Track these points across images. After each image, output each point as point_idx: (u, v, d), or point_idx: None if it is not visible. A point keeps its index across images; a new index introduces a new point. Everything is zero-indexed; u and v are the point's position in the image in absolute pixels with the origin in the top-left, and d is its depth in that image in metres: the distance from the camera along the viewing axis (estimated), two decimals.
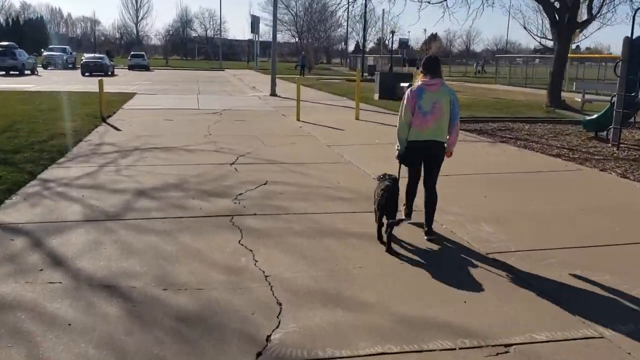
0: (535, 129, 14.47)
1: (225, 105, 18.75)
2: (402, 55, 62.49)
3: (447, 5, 20.38)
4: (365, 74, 42.15)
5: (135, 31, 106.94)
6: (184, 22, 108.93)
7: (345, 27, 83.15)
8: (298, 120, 14.78)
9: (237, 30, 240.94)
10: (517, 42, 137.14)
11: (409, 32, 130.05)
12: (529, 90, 30.58)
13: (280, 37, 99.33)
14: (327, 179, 7.98)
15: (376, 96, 21.86)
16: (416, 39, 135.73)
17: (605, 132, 12.99)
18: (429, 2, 21.01)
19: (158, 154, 9.61)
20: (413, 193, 5.81)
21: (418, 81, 5.53)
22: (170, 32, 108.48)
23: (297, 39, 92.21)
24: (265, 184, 7.57)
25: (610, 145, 11.89)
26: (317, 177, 8.10)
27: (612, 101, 12.35)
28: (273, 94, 23.16)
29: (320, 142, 11.34)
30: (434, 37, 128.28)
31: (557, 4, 17.51)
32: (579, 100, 17.38)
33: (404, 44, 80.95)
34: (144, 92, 24.27)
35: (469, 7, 32.77)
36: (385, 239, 5.20)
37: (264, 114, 16.42)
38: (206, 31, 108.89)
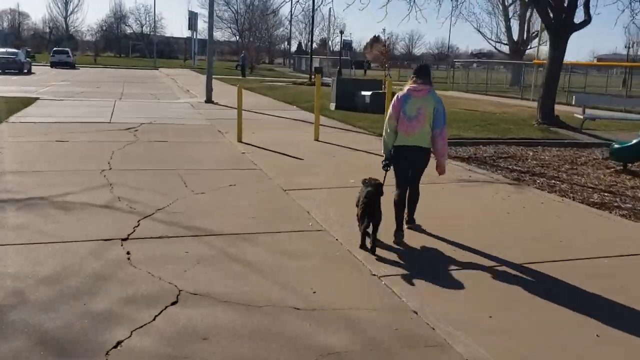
0: (542, 156, 11.45)
1: (147, 116, 14.89)
2: (350, 59, 59.58)
3: (414, 2, 17.31)
4: (313, 77, 38.81)
5: (64, 26, 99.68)
6: (118, 17, 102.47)
7: (289, 26, 79.91)
8: (240, 141, 11.22)
9: (176, 27, 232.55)
10: (455, 46, 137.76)
11: (350, 34, 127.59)
12: (495, 99, 28.00)
13: (220, 35, 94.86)
14: (293, 281, 4.48)
15: (332, 106, 18.51)
16: (358, 40, 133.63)
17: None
18: None
19: (7, 216, 5.87)
20: (402, 202, 5.72)
21: (407, 86, 5.57)
22: (104, 28, 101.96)
23: (238, 38, 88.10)
24: (174, 303, 4.00)
25: None
26: (274, 275, 4.59)
27: None
28: (209, 100, 19.39)
29: (272, 184, 7.84)
30: (376, 39, 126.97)
31: (552, 3, 14.63)
32: (580, 116, 14.57)
33: (347, 45, 78.39)
34: (52, 96, 20.00)
35: (440, 4, 29.57)
36: (369, 245, 5.16)
37: (194, 132, 12.70)
38: (142, 27, 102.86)
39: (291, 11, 71.54)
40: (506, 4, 43.61)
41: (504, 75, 42.77)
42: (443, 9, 36.92)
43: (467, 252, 5.35)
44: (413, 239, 5.67)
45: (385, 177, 5.64)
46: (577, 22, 14.99)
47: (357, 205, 5.34)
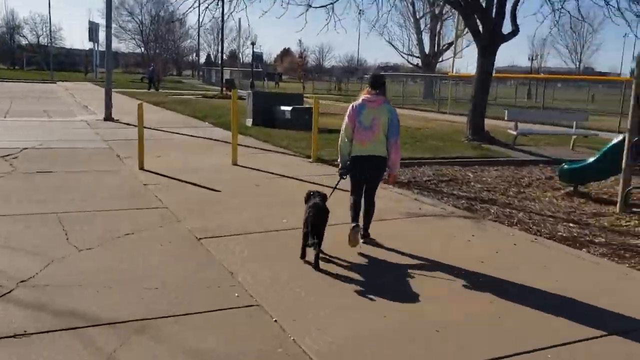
0: (483, 178, 10.47)
1: (33, 138, 12.66)
2: (263, 70, 58.11)
3: (333, 11, 16.07)
4: (225, 90, 37.03)
5: None
6: (11, 27, 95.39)
7: (197, 37, 77.48)
8: (142, 169, 9.43)
9: (76, 38, 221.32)
10: (364, 59, 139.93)
11: (260, 46, 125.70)
12: (413, 113, 27.46)
13: (124, 47, 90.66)
14: None
15: (249, 122, 16.94)
16: (269, 52, 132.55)
17: (583, 185, 9.30)
18: (309, 6, 16.56)
19: None
20: (358, 206, 5.77)
21: (361, 96, 5.66)
22: None
23: (143, 49, 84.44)
24: None
25: (621, 211, 8.08)
26: None
27: (614, 143, 8.62)
28: (108, 117, 17.25)
29: (182, 229, 6.19)
30: (287, 51, 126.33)
31: (481, 14, 13.88)
32: (512, 132, 13.84)
33: (258, 57, 77.25)
34: None
35: (361, 14, 28.46)
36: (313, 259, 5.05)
37: (87, 158, 10.72)
38: (38, 38, 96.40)
39: (199, 20, 69.05)
40: (417, 17, 43.84)
41: (417, 88, 42.87)
42: (355, 20, 36.15)
43: None
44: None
45: (335, 187, 5.89)
46: (506, 33, 14.34)
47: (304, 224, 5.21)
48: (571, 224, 7.37)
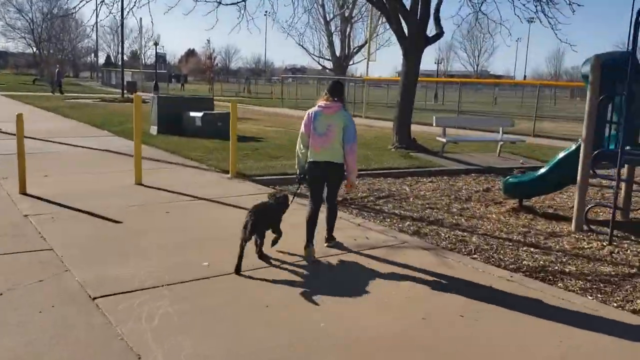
0: (420, 191, 9.59)
1: None
2: (168, 72, 55.42)
3: (245, 9, 14.74)
4: (126, 93, 34.60)
5: None
6: None
7: (95, 36, 73.26)
8: (23, 193, 7.72)
9: None
10: (270, 61, 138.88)
11: (163, 46, 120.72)
12: None
13: (13, 47, 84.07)
14: None
15: (154, 130, 15.26)
16: (173, 53, 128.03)
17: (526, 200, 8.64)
18: (219, 2, 15.18)
19: None
20: (313, 221, 5.70)
21: (318, 102, 5.65)
22: None
23: (34, 49, 78.71)
24: None
25: (577, 230, 7.39)
26: None
27: (568, 153, 7.93)
28: None
29: (70, 284, 4.69)
30: (192, 52, 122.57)
31: (405, 16, 13.09)
32: (442, 139, 13.11)
33: (161, 58, 74.57)
34: None
35: (267, 14, 26.74)
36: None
37: None
38: None
39: (97, 16, 65.06)
40: (327, 19, 43.21)
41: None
42: (264, 19, 34.45)
43: None
44: None
45: (295, 194, 6.13)
46: (430, 36, 13.65)
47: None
48: (532, 249, 6.54)
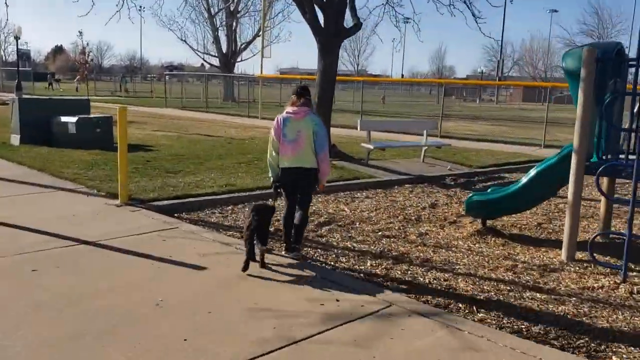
0: (363, 212, 7.93)
1: None
2: (34, 70, 49.86)
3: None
4: None
5: None
6: None
7: None
8: None
9: None
10: (146, 59, 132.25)
11: (27, 43, 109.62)
12: (223, 118, 24.30)
13: None
14: None
15: (15, 139, 12.37)
16: (38, 50, 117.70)
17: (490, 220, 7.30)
18: None
19: None
20: (289, 224, 5.71)
21: (286, 107, 5.61)
22: None
23: None
24: None
25: (569, 259, 6.06)
26: None
27: (550, 164, 6.58)
28: None
29: None
30: (60, 49, 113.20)
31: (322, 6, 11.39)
32: (368, 146, 11.50)
33: (24, 55, 68.25)
34: None
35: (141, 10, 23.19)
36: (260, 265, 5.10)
37: None
38: None
39: None
40: (212, 13, 40.53)
41: (216, 90, 39.69)
42: (141, 16, 31.06)
43: None
44: None
45: (275, 199, 6.08)
46: (348, 27, 12.05)
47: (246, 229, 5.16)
48: (537, 294, 5.07)
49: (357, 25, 12.05)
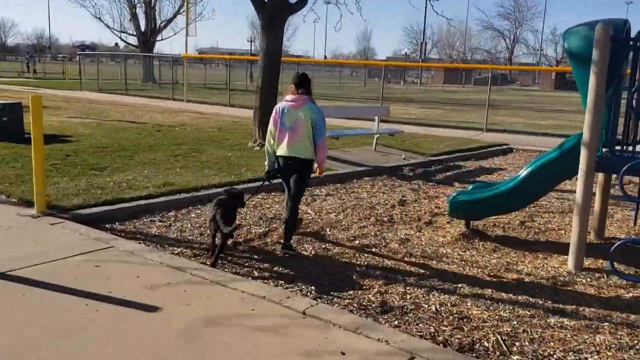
0: (329, 211, 6.92)
1: None
2: None
3: None
4: None
5: None
6: None
7: None
8: None
9: None
10: (55, 37, 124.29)
11: None
12: (147, 102, 22.42)
13: None
14: None
15: None
16: None
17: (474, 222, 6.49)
18: None
19: None
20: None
21: (285, 96, 5.59)
22: None
23: None
24: None
25: (577, 269, 5.31)
26: None
27: (550, 159, 5.77)
28: None
29: None
30: None
31: None
32: None
33: None
34: None
35: None
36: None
37: None
38: None
39: None
40: None
41: (135, 70, 37.16)
42: None
43: None
44: None
45: (259, 188, 6.53)
46: (293, 3, 10.88)
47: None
48: (564, 319, 4.25)
49: (303, 1, 10.90)
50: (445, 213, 7.30)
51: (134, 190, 7.03)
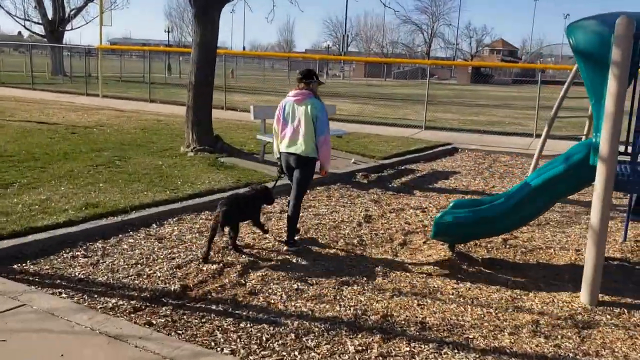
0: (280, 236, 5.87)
1: None
2: None
3: None
4: None
5: None
6: None
7: None
8: None
9: None
10: None
11: None
12: (57, 97, 20.32)
13: None
14: None
15: None
16: None
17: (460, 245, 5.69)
18: None
19: None
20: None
21: (290, 92, 5.54)
22: None
23: None
24: None
25: (592, 304, 4.59)
26: None
27: (557, 172, 5.00)
28: None
29: None
30: None
31: None
32: (264, 138, 9.29)
33: None
34: None
35: None
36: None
37: None
38: None
39: None
40: None
41: (42, 62, 34.18)
42: None
43: None
44: None
45: (275, 183, 6.05)
46: None
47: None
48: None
49: None
50: (417, 231, 6.48)
51: (49, 216, 5.70)
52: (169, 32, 67.21)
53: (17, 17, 36.27)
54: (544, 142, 9.36)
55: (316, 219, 6.68)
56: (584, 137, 10.04)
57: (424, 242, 6.06)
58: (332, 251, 5.60)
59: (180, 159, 8.92)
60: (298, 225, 5.80)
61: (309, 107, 5.29)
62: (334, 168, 9.53)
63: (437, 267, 5.30)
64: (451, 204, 5.79)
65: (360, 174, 9.44)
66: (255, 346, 3.64)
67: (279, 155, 5.58)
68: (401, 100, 28.37)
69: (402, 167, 10.49)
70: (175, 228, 5.95)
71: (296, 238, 5.62)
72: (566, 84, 9.23)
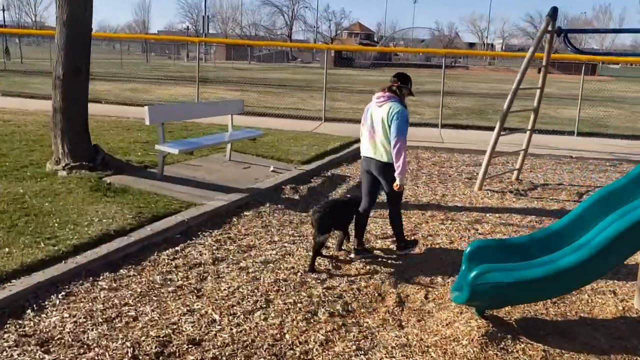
0: (224, 303, 3.92)
1: None
2: None
3: None
4: None
5: None
6: None
7: None
8: None
9: None
10: None
11: None
12: None
13: None
14: None
15: None
16: None
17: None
18: None
19: None
20: (360, 221, 5.34)
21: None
22: None
23: None
24: None
25: None
26: None
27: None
28: None
29: None
30: None
31: None
32: (165, 148, 7.02)
33: None
34: None
35: None
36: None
37: None
38: None
39: None
40: None
41: None
42: None
43: None
44: None
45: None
46: None
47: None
48: None
49: None
50: (404, 277, 4.84)
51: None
52: (4, 10, 59.36)
53: None
54: (497, 139, 8.27)
55: (268, 273, 4.74)
56: (527, 131, 9.11)
57: (425, 297, 4.46)
58: (303, 331, 3.76)
59: (50, 182, 6.43)
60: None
61: (386, 111, 4.99)
62: (252, 180, 7.63)
63: (472, 347, 3.69)
64: (467, 249, 4.21)
65: (288, 186, 7.61)
66: None
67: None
68: (281, 86, 26.64)
69: (329, 173, 8.81)
70: (66, 314, 3.75)
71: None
72: (519, 73, 8.13)
